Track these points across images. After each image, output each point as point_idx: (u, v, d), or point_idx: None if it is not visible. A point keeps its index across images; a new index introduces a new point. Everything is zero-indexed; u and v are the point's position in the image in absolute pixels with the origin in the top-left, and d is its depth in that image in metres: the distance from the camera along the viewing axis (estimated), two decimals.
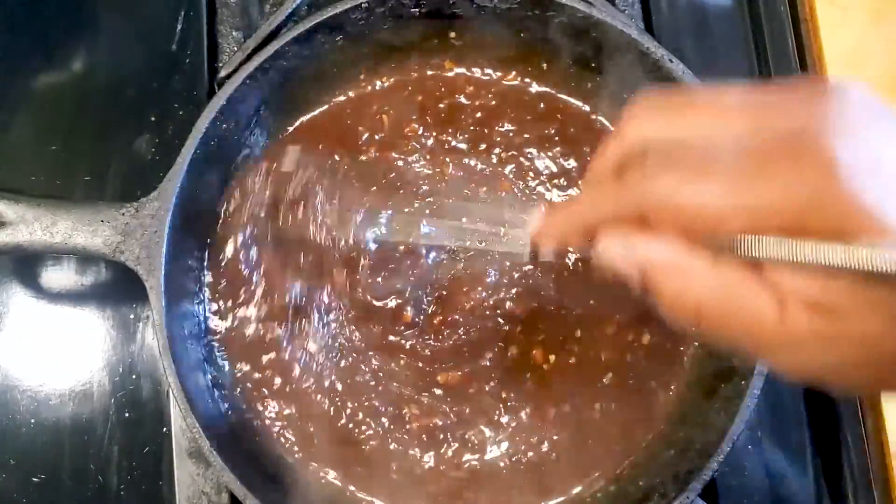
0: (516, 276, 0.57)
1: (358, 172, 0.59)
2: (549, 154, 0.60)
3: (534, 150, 0.60)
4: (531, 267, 0.57)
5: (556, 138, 0.61)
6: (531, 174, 0.60)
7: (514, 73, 0.62)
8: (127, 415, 0.59)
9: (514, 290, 0.57)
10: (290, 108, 0.61)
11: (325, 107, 0.61)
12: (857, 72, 0.65)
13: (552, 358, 0.57)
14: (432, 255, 0.57)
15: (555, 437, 0.56)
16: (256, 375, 0.57)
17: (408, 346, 0.57)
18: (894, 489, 0.59)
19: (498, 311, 0.57)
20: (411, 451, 0.56)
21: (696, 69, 0.55)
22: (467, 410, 0.56)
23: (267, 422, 0.57)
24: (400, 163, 0.60)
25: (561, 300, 0.57)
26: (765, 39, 0.65)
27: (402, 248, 0.57)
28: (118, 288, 0.61)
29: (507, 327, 0.57)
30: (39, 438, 0.58)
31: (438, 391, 0.57)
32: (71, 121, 0.64)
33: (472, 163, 0.60)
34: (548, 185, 0.60)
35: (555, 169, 0.60)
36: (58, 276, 0.61)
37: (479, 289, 0.57)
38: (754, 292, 0.29)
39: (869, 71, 0.65)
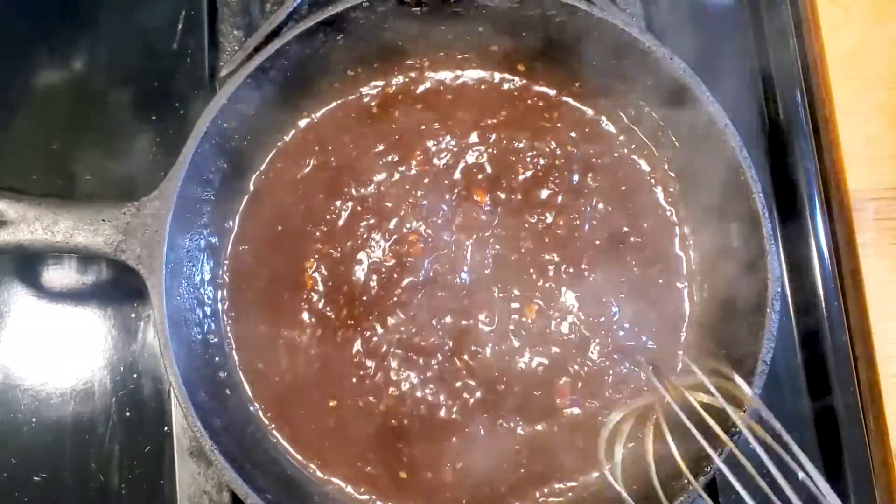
0: None
1: None
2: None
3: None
4: None
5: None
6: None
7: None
8: (128, 414, 0.59)
9: None
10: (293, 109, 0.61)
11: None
12: (858, 71, 0.65)
13: None
14: None
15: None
16: (258, 375, 0.57)
17: None
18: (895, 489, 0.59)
19: None
20: None
21: (696, 68, 0.55)
22: None
23: (268, 421, 0.57)
24: None
25: None
26: (766, 38, 0.65)
27: None
28: (119, 287, 0.61)
29: None
30: (41, 437, 0.59)
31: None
32: (71, 121, 0.64)
33: None
34: None
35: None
36: (59, 275, 0.62)
37: None
38: None
39: (870, 70, 0.65)
